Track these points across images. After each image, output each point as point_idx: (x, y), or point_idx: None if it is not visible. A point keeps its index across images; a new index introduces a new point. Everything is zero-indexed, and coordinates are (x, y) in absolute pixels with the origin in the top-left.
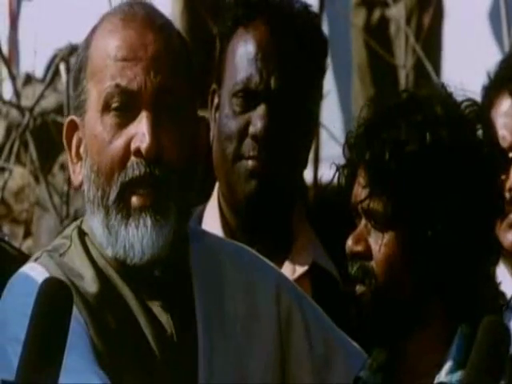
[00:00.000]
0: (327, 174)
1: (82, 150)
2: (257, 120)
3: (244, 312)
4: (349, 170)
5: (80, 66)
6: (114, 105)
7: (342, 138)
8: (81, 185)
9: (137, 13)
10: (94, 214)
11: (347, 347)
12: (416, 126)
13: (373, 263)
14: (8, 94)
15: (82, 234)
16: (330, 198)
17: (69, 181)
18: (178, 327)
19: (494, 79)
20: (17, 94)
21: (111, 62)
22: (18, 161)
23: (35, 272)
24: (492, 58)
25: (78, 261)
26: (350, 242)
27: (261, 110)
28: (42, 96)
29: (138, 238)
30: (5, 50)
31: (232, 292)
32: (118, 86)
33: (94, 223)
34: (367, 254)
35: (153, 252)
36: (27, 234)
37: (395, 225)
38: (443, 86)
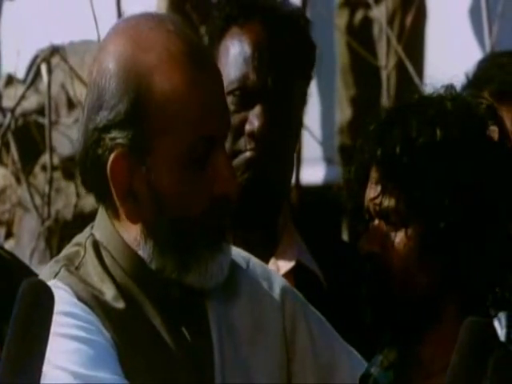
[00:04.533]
0: (309, 175)
1: (138, 190)
2: (254, 118)
3: (250, 322)
4: (360, 171)
5: (135, 104)
6: (196, 155)
7: (323, 140)
8: (138, 221)
9: (196, 53)
10: (161, 249)
11: (350, 355)
12: (426, 121)
13: (387, 262)
14: None
15: (95, 244)
16: (313, 200)
17: (50, 182)
18: (196, 339)
19: (474, 79)
20: None
21: (189, 113)
22: (0, 162)
23: (60, 293)
24: (474, 58)
25: (95, 275)
26: (363, 242)
27: (258, 109)
28: (23, 97)
29: (219, 265)
30: None
31: (239, 302)
32: (202, 137)
33: (146, 250)
34: (381, 254)
35: (222, 278)
36: (9, 234)
37: (408, 222)
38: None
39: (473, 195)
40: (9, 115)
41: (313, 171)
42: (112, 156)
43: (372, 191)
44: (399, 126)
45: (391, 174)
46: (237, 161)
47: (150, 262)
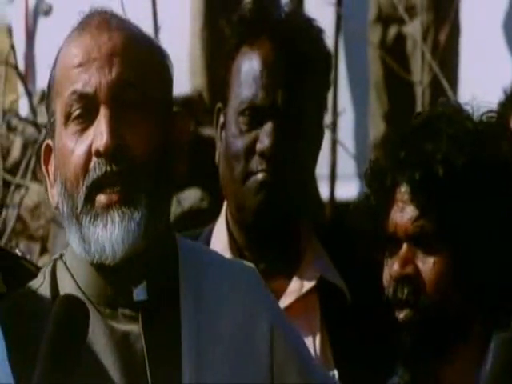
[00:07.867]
0: (343, 191)
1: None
2: (264, 137)
3: (239, 335)
4: (382, 193)
5: (48, 90)
6: (75, 113)
7: (357, 156)
8: (55, 202)
9: (92, 19)
10: (69, 227)
11: None
12: (458, 142)
13: (423, 285)
14: (24, 110)
15: (55, 267)
16: (345, 218)
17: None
18: (156, 350)
19: (511, 95)
20: (33, 110)
21: (70, 72)
22: (34, 178)
23: None
24: (508, 73)
25: (41, 291)
26: (396, 266)
27: (268, 127)
28: None
29: (106, 236)
30: (21, 67)
31: (230, 312)
32: (74, 92)
33: (71, 238)
34: (417, 277)
35: (124, 248)
36: (43, 250)
37: (445, 244)
38: (460, 105)
39: (506, 212)
40: (44, 131)
41: (347, 187)
42: (42, 148)
43: (401, 216)
44: (432, 149)
45: (433, 196)
46: (249, 183)
47: (75, 249)
